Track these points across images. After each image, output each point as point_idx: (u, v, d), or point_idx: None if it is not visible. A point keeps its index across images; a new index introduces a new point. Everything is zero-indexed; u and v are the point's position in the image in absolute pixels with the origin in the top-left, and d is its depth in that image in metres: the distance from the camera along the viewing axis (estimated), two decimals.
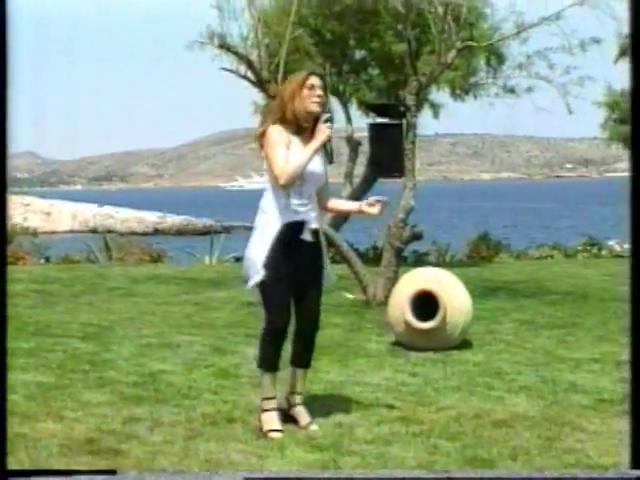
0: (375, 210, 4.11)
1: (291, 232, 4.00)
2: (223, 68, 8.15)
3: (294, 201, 4.00)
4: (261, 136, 4.03)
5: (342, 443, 3.86)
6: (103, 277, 11.07)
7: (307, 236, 4.05)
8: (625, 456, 3.65)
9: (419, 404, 4.54)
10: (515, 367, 5.45)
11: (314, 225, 4.08)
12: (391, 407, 4.48)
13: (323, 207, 4.22)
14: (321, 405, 4.48)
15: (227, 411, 4.40)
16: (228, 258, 15.33)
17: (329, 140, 4.03)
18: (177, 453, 3.71)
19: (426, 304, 6.04)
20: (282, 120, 4.02)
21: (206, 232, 27.17)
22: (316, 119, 4.02)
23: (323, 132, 3.98)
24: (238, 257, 15.46)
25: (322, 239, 4.15)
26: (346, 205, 4.60)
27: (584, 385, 4.93)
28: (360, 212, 4.17)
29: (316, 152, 4.00)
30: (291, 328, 4.14)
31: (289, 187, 3.96)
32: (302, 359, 4.22)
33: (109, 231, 26.93)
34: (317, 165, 4.06)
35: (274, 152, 3.97)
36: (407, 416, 4.30)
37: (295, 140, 4.02)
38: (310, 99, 3.99)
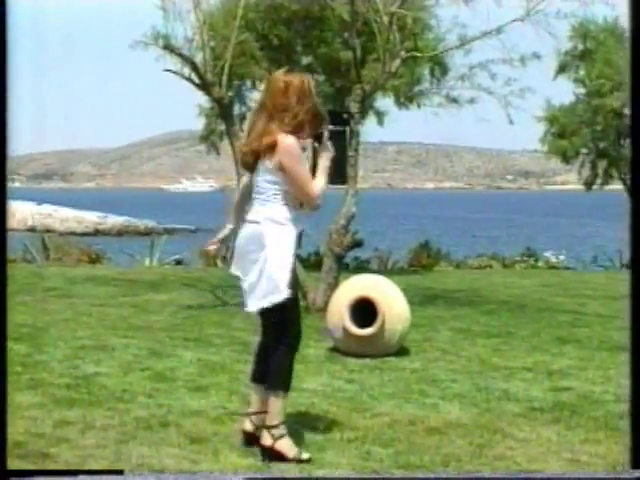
0: None
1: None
2: (167, 69, 8.09)
3: (295, 212, 3.86)
4: (272, 143, 3.72)
5: None
6: (39, 277, 10.86)
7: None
8: (552, 463, 3.75)
9: (354, 410, 4.57)
10: (450, 375, 5.52)
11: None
12: (326, 413, 4.49)
13: None
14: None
15: (161, 415, 4.36)
16: (168, 260, 15.19)
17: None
18: (108, 457, 3.66)
19: (365, 311, 6.08)
20: (295, 129, 3.76)
21: (148, 233, 26.84)
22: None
23: (330, 151, 3.87)
24: (179, 260, 15.35)
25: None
26: None
27: (516, 393, 5.02)
28: None
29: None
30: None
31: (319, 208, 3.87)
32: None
33: (48, 230, 26.44)
34: None
35: (303, 168, 3.77)
36: (342, 422, 4.32)
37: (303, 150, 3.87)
38: (318, 106, 3.84)
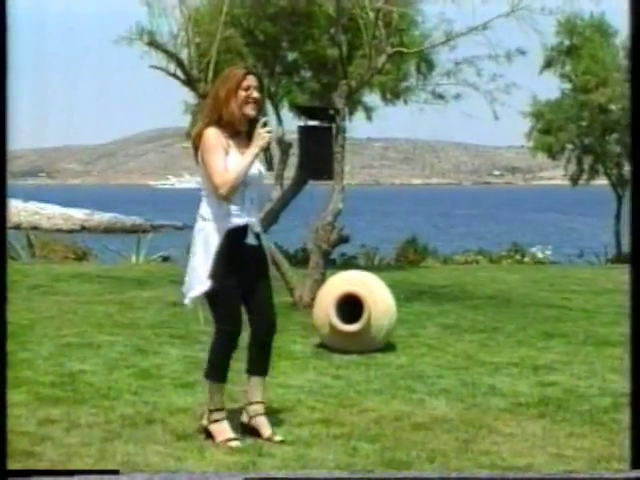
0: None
1: (235, 238, 3.87)
2: (152, 66, 8.06)
3: (236, 206, 3.87)
4: (197, 138, 3.88)
5: (262, 445, 3.86)
6: (24, 275, 10.80)
7: (251, 240, 3.92)
8: (538, 457, 3.75)
9: (341, 406, 4.56)
10: (436, 370, 5.52)
11: (257, 228, 3.97)
12: (312, 409, 4.49)
13: None
14: (241, 407, 4.45)
15: (147, 412, 4.34)
16: (155, 257, 15.15)
17: (268, 146, 3.90)
18: (93, 455, 3.65)
19: (351, 307, 6.08)
20: (218, 122, 3.86)
21: (135, 230, 26.76)
22: (251, 122, 3.89)
23: (262, 138, 3.84)
24: (165, 256, 15.32)
25: (265, 242, 4.06)
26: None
27: (502, 388, 5.03)
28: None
29: (255, 158, 3.87)
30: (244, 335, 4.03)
31: (229, 197, 3.82)
32: (259, 366, 4.04)
33: (34, 227, 26.35)
34: (257, 168, 3.96)
35: (213, 158, 3.81)
36: (328, 418, 4.31)
37: (232, 144, 3.87)
38: (246, 102, 3.86)
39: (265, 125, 3.87)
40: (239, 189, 3.85)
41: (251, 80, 3.89)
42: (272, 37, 11.86)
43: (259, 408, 4.04)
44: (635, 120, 3.16)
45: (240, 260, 3.88)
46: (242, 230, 3.90)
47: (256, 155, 3.87)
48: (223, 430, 3.90)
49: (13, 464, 3.45)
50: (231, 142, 3.88)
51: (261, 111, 3.94)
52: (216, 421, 3.92)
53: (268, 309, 4.03)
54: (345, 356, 5.89)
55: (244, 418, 4.06)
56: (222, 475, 3.46)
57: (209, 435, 3.93)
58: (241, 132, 3.91)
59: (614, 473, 3.56)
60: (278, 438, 3.94)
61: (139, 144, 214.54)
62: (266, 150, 3.93)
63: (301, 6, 11.51)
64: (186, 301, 3.96)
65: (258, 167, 3.98)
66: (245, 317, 4.01)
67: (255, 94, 3.88)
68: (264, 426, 3.99)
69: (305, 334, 6.69)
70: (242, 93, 3.86)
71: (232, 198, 3.85)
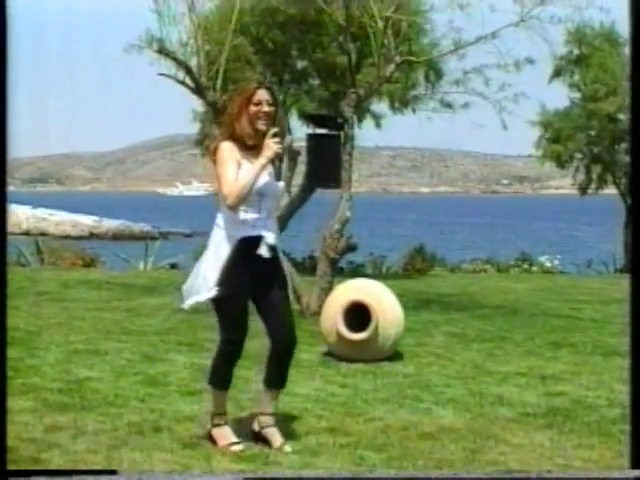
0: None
1: (247, 247, 3.88)
2: (161, 73, 8.08)
3: (252, 216, 3.89)
4: (213, 153, 3.93)
5: (269, 454, 3.85)
6: (33, 281, 10.83)
7: (264, 251, 3.92)
8: (545, 468, 3.73)
9: (347, 415, 4.55)
10: (444, 380, 5.51)
11: (271, 240, 3.95)
12: (319, 418, 4.48)
13: None
14: (250, 415, 4.45)
15: (154, 420, 4.34)
16: (163, 264, 15.17)
17: (277, 156, 3.89)
18: (100, 462, 3.65)
19: (359, 315, 6.07)
20: (232, 136, 3.91)
21: (143, 237, 26.80)
22: (265, 135, 3.88)
23: (270, 148, 3.86)
24: (173, 263, 15.34)
25: (281, 254, 4.05)
26: None
27: (509, 398, 5.01)
28: None
29: (263, 169, 3.87)
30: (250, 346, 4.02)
31: (235, 208, 3.85)
32: (276, 379, 4.03)
33: (43, 234, 26.40)
34: (272, 179, 3.96)
35: (224, 170, 3.85)
36: (335, 427, 4.30)
37: (246, 157, 3.90)
38: (257, 116, 3.89)
39: (276, 136, 3.87)
40: (254, 199, 3.88)
41: (262, 94, 3.92)
42: (281, 45, 11.90)
43: (270, 419, 4.05)
44: (635, 125, 3.13)
45: (251, 271, 3.89)
46: (254, 241, 3.91)
47: (263, 166, 3.87)
48: (225, 434, 3.96)
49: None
50: (245, 155, 3.90)
51: (274, 124, 3.90)
52: (217, 425, 3.98)
53: (285, 321, 4.01)
54: (352, 365, 5.88)
55: (255, 427, 4.08)
56: (222, 475, 3.46)
57: (212, 439, 3.97)
58: (256, 146, 3.91)
59: (614, 473, 3.54)
60: (288, 449, 3.94)
61: (148, 151, 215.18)
62: (274, 161, 3.91)
63: (310, 14, 11.55)
64: (185, 304, 3.99)
65: (273, 179, 3.96)
66: (264, 330, 4.01)
67: (266, 108, 3.90)
68: (275, 437, 4.00)
69: (312, 342, 6.67)
70: (253, 108, 3.89)
71: (248, 207, 3.87)
